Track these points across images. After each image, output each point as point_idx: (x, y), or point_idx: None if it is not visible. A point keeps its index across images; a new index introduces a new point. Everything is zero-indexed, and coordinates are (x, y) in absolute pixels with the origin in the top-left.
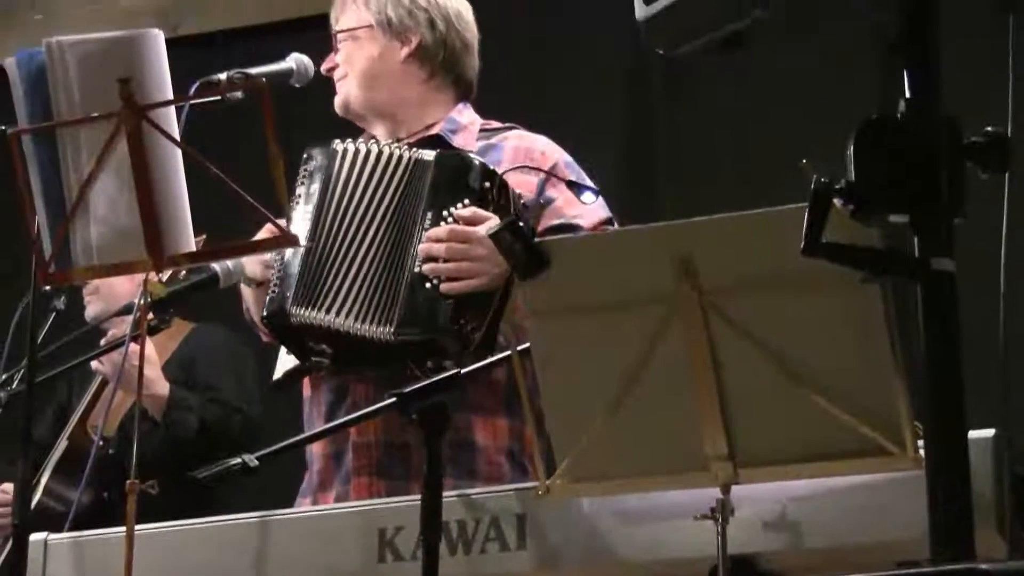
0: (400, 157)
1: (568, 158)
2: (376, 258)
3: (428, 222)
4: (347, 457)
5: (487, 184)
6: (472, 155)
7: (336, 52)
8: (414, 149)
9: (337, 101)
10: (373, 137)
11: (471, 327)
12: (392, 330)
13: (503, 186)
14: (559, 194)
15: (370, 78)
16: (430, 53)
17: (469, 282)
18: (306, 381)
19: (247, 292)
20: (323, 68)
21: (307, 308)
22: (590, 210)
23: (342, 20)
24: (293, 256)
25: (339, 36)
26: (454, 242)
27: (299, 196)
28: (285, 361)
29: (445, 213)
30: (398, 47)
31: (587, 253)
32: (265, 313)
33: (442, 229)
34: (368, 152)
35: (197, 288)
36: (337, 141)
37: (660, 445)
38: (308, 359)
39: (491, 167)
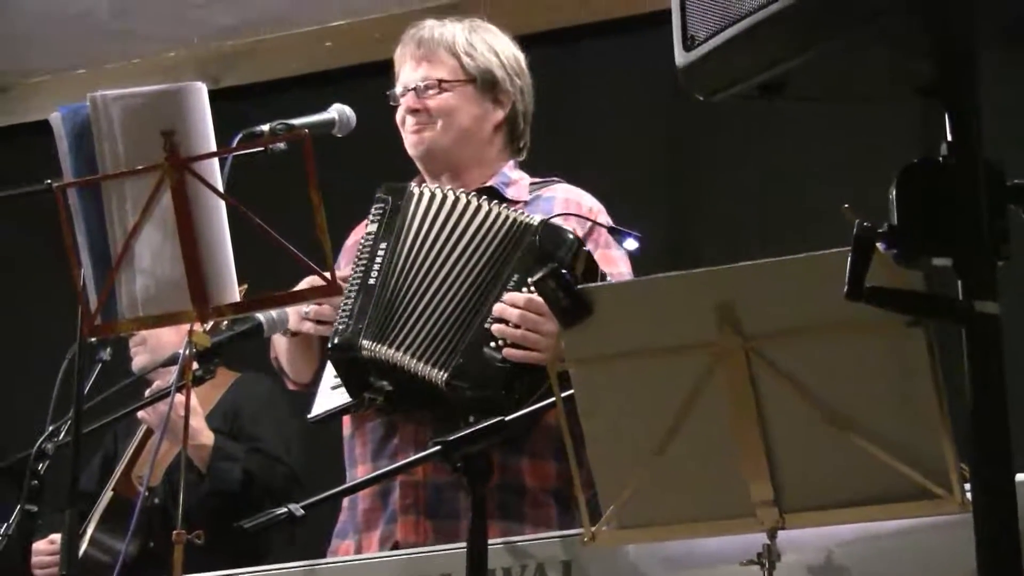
0: (489, 210)
1: (608, 219)
2: (450, 302)
3: (512, 284)
4: (393, 496)
5: (575, 259)
6: (569, 231)
7: (415, 94)
8: (505, 205)
9: (416, 142)
10: (436, 183)
11: (518, 397)
12: (445, 377)
13: (591, 266)
14: (603, 247)
15: (465, 134)
16: (515, 122)
17: (531, 354)
18: (346, 420)
19: (278, 340)
20: (405, 107)
21: (379, 343)
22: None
23: (434, 69)
24: (362, 291)
25: (438, 84)
26: (529, 311)
27: (371, 234)
28: (328, 398)
29: (530, 280)
30: (492, 110)
31: (629, 299)
32: (336, 342)
33: (521, 296)
34: (445, 198)
35: (241, 338)
36: (412, 184)
37: (705, 491)
38: (362, 395)
39: (585, 247)
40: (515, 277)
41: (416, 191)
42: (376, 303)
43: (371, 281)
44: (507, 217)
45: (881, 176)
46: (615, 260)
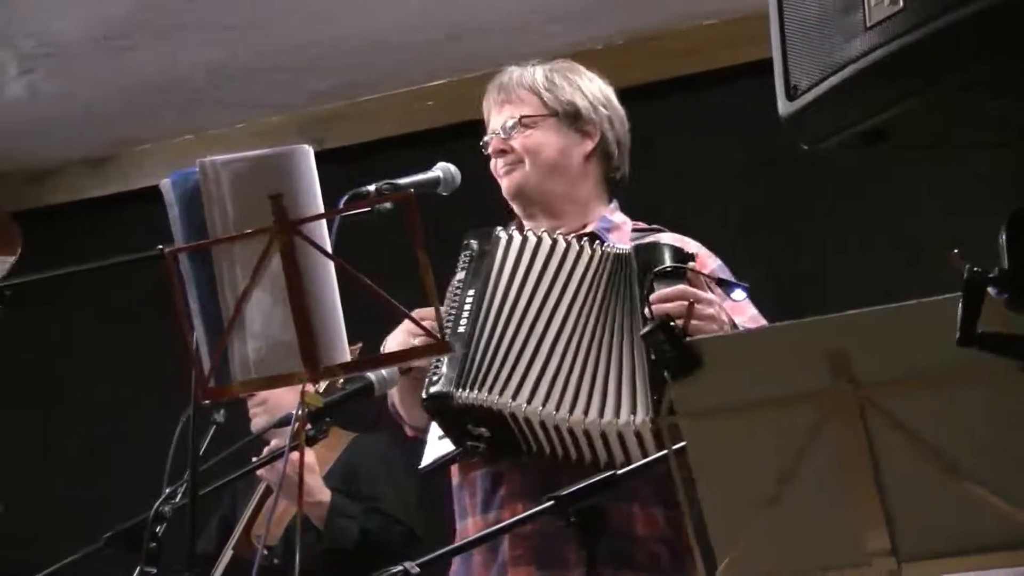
0: (582, 248)
1: (719, 262)
2: (576, 344)
3: (639, 306)
4: (503, 547)
5: (688, 262)
6: (665, 245)
7: (501, 136)
8: (599, 242)
9: (509, 184)
10: (532, 224)
11: None
12: (650, 417)
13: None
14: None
15: (553, 168)
16: (607, 152)
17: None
18: (453, 470)
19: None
20: (492, 150)
21: (473, 390)
22: (740, 307)
23: (516, 109)
24: (452, 339)
25: (519, 122)
26: (685, 298)
27: (460, 282)
28: (435, 447)
29: (640, 334)
30: (579, 141)
31: (739, 350)
32: (429, 393)
33: (671, 290)
34: (542, 241)
35: (352, 398)
36: (499, 228)
37: (821, 541)
38: (464, 444)
39: (684, 249)
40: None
41: (503, 235)
42: (468, 350)
43: (461, 329)
44: (603, 253)
45: (987, 220)
46: (738, 308)
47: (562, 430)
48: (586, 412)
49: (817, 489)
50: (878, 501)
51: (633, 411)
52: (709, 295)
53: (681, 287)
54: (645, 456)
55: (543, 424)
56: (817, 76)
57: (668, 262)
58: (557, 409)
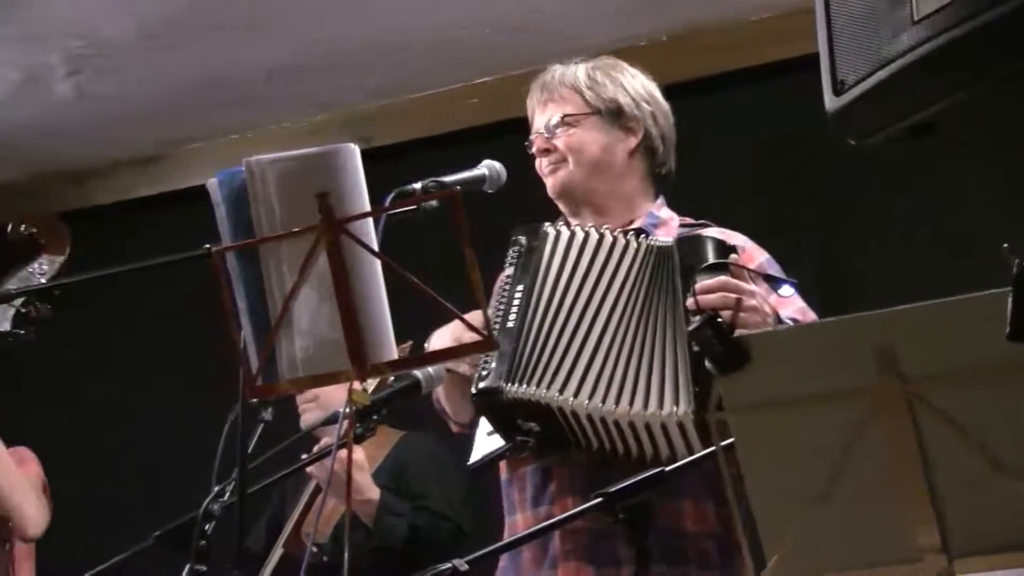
0: (627, 243)
1: (767, 255)
2: (621, 338)
3: (681, 301)
4: (553, 542)
5: (731, 255)
6: (707, 234)
7: (544, 135)
8: (644, 236)
9: (554, 184)
10: (578, 222)
11: None
12: (692, 408)
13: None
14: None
15: (598, 166)
16: (651, 147)
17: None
18: (502, 466)
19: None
20: (536, 149)
21: (523, 384)
22: (788, 302)
23: (559, 107)
24: (501, 334)
25: (562, 121)
26: (727, 290)
27: (508, 277)
28: (484, 443)
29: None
30: (623, 137)
31: (786, 346)
32: (479, 388)
33: (712, 281)
34: (588, 236)
35: (399, 395)
36: (547, 224)
37: (870, 538)
38: (513, 439)
39: (727, 242)
40: (688, 297)
41: (551, 231)
42: (516, 345)
43: (510, 324)
44: (647, 246)
45: None
46: (785, 301)
47: (608, 423)
48: (631, 404)
49: (866, 485)
50: (927, 497)
51: (676, 403)
52: (751, 286)
53: (723, 278)
54: (689, 449)
55: (589, 417)
56: (864, 71)
57: (710, 254)
58: (603, 402)
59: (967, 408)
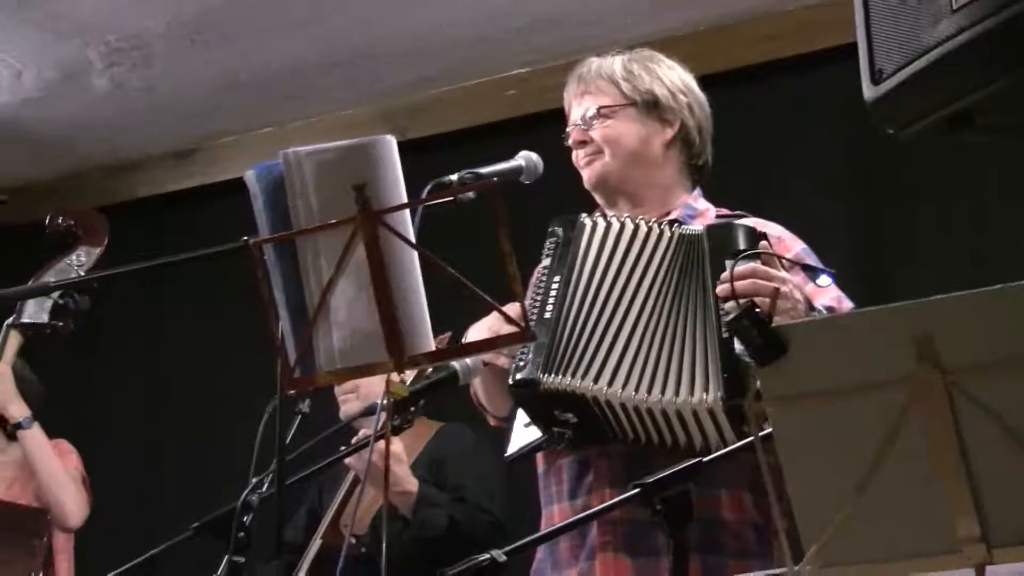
0: (661, 232)
1: (804, 245)
2: (653, 327)
3: (712, 291)
4: (591, 533)
5: (762, 243)
6: (738, 225)
7: (580, 127)
8: (676, 224)
9: (590, 175)
10: (614, 213)
11: None
12: (721, 395)
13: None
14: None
15: (634, 157)
16: (688, 139)
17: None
18: (539, 457)
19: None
20: (572, 141)
21: (560, 375)
22: (824, 292)
23: (595, 99)
24: (538, 325)
25: (599, 113)
26: (757, 277)
27: (545, 268)
28: (521, 435)
29: (725, 321)
30: (659, 129)
31: (825, 336)
32: (516, 379)
33: (742, 268)
34: (624, 227)
35: (436, 387)
36: (584, 215)
37: (909, 528)
38: (550, 430)
39: (757, 230)
40: (718, 282)
41: (588, 222)
42: (553, 336)
43: (547, 315)
44: (662, 231)
45: None
46: (820, 292)
47: (641, 411)
48: (663, 392)
49: (905, 475)
50: (967, 487)
51: (706, 389)
52: (782, 273)
53: (752, 265)
54: (721, 436)
55: (623, 407)
56: (902, 60)
57: (740, 241)
58: (636, 391)
59: (1006, 398)
